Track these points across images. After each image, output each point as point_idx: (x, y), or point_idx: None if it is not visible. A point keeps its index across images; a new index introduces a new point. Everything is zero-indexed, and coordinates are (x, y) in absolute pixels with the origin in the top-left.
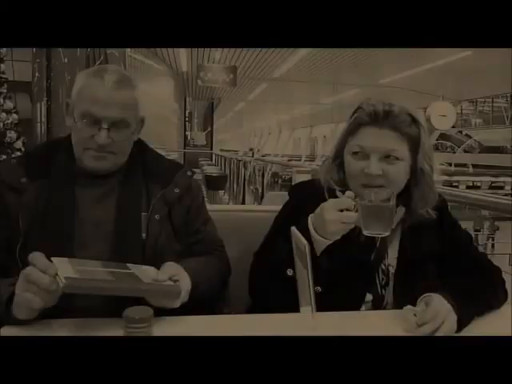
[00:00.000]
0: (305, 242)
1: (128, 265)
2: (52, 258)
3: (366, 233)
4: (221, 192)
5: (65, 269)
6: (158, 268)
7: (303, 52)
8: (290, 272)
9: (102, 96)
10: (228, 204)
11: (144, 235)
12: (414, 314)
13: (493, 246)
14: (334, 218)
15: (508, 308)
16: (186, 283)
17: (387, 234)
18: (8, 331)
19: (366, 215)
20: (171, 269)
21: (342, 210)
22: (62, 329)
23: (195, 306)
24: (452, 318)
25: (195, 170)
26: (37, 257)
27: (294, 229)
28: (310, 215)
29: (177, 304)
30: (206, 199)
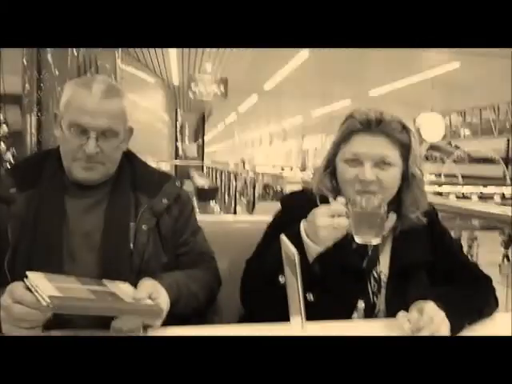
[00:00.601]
0: (294, 250)
1: (104, 281)
2: (28, 273)
3: (357, 239)
4: (212, 203)
5: (45, 287)
6: (141, 278)
7: (293, 65)
8: (282, 278)
9: (89, 106)
10: (219, 215)
11: (132, 245)
12: (408, 321)
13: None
14: (326, 224)
15: (503, 315)
16: (164, 302)
17: (378, 240)
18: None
19: (357, 222)
20: (149, 287)
21: (333, 216)
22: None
23: (179, 319)
24: (446, 325)
25: (186, 181)
26: (24, 295)
27: (282, 237)
28: (303, 221)
29: (158, 323)
30: (197, 210)
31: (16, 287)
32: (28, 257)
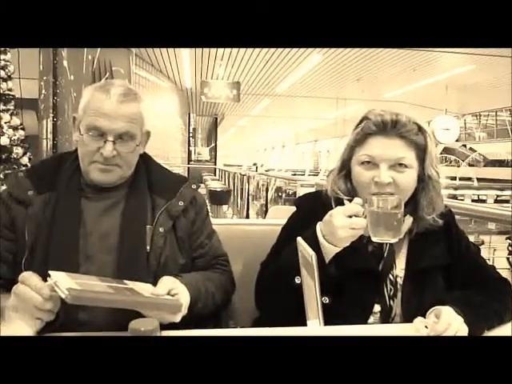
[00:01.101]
0: (311, 252)
1: (125, 281)
2: (50, 272)
3: (374, 239)
4: (224, 207)
5: (65, 281)
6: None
7: (306, 67)
8: (298, 279)
9: (107, 109)
10: (232, 218)
11: (148, 248)
12: (426, 326)
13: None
14: (343, 224)
15: None
16: (185, 297)
17: (395, 240)
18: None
19: (374, 222)
20: (168, 283)
21: (351, 216)
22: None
23: (197, 320)
24: (464, 330)
25: (199, 184)
26: (29, 277)
27: (299, 239)
28: (319, 223)
29: (178, 318)
30: (210, 213)
31: (27, 272)
32: (45, 258)
